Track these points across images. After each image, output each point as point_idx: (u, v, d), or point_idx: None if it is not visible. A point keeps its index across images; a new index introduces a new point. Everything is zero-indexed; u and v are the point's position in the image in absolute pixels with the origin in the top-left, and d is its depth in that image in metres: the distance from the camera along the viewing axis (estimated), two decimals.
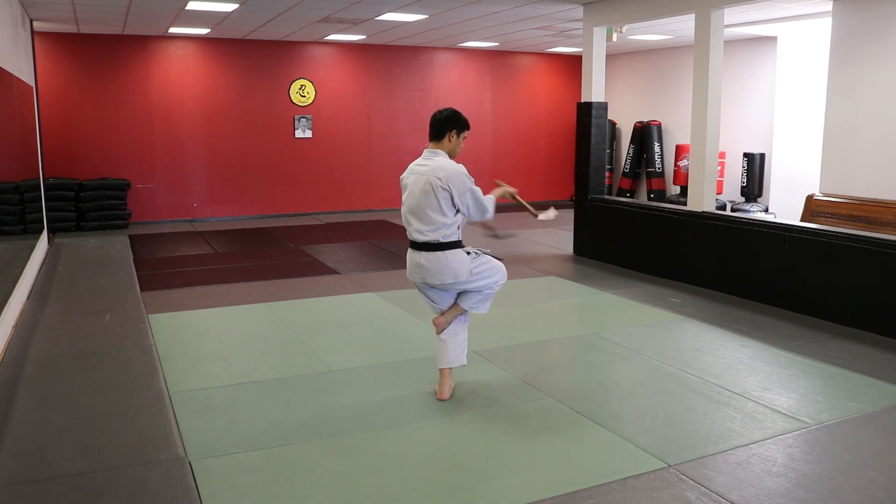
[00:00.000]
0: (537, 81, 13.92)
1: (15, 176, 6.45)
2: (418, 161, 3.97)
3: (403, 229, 10.98)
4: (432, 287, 4.02)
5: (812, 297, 5.84)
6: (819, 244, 5.77)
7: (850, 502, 2.98)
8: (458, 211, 3.86)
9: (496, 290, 4.12)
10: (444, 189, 3.77)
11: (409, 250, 4.00)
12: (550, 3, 8.28)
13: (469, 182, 3.83)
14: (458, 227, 3.92)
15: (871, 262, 5.39)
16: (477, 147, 12.83)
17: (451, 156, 3.94)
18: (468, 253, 3.94)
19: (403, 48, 12.68)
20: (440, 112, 3.97)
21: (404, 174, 3.99)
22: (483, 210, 3.91)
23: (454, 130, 3.93)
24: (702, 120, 6.95)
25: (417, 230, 3.87)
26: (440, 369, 4.14)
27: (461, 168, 3.85)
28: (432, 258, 3.86)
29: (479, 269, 3.96)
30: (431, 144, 3.97)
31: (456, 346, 4.13)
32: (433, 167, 3.84)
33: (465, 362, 4.19)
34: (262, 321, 5.83)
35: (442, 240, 3.84)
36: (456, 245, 3.89)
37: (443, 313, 4.11)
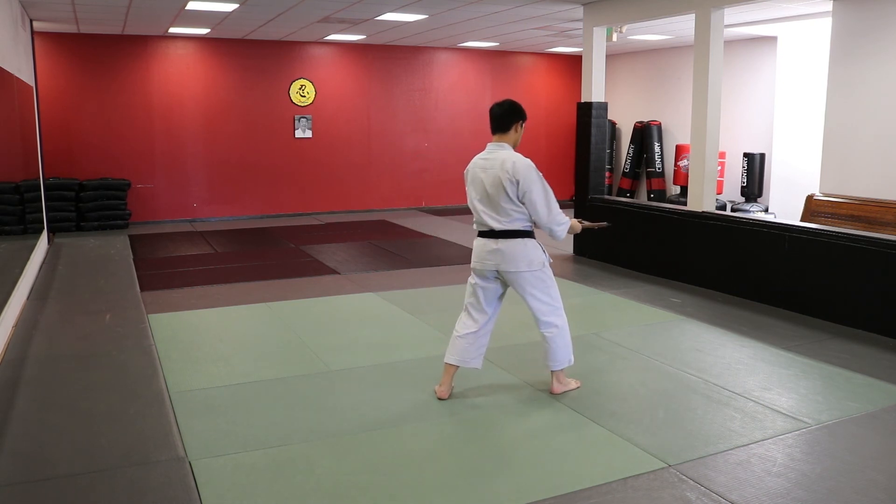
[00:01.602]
0: (537, 81, 13.92)
1: (15, 176, 6.45)
2: (483, 154, 3.95)
3: (403, 229, 10.89)
4: (496, 278, 4.00)
5: (812, 297, 5.84)
6: (819, 244, 5.77)
7: (850, 502, 2.98)
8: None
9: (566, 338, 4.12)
10: (510, 181, 3.79)
11: (481, 239, 3.97)
12: (550, 3, 8.28)
13: (538, 177, 3.83)
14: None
15: (871, 262, 5.39)
16: (477, 147, 12.79)
17: (514, 147, 3.97)
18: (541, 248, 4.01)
19: (403, 48, 12.68)
20: (500, 104, 3.96)
21: (469, 167, 4.00)
22: (549, 211, 3.85)
23: (519, 121, 3.96)
24: (702, 120, 6.95)
25: (494, 219, 3.88)
26: (446, 364, 4.08)
27: (530, 162, 3.86)
28: (511, 244, 3.89)
29: (549, 272, 4.03)
30: (496, 137, 3.96)
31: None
32: (501, 159, 3.84)
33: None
34: (262, 321, 5.83)
35: (521, 228, 3.90)
36: (531, 235, 3.95)
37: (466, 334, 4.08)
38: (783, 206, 10.34)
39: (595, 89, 8.24)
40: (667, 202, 11.83)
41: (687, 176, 10.71)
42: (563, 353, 4.11)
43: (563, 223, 3.92)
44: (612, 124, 13.77)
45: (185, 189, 11.61)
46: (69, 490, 3.11)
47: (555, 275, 7.43)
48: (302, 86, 12.09)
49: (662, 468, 3.28)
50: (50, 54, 10.54)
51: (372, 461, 3.37)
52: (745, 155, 10.88)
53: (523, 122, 3.99)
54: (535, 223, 3.95)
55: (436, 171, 13.13)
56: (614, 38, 8.78)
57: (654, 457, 3.39)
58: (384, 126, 12.79)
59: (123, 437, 3.61)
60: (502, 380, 4.44)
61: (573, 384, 4.24)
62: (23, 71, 7.87)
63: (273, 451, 3.46)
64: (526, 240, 3.91)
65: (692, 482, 3.15)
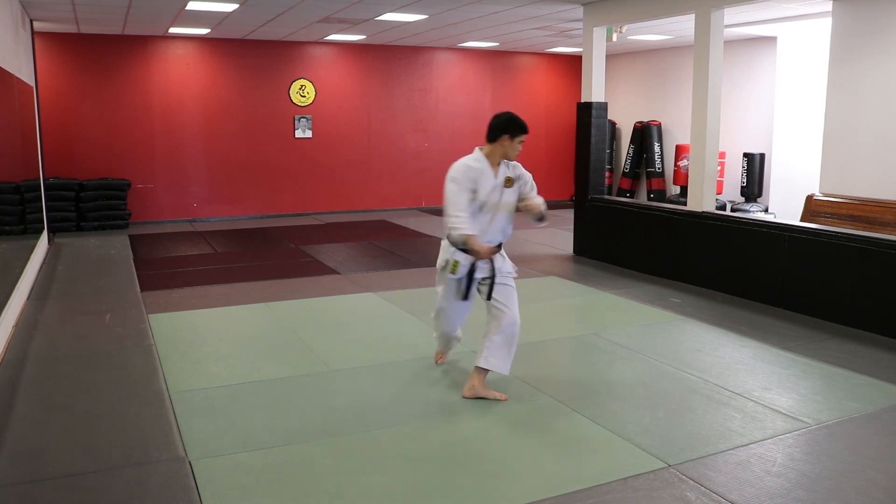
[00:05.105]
0: (537, 81, 13.92)
1: (15, 176, 6.45)
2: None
3: (403, 229, 10.86)
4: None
5: (812, 297, 5.84)
6: (819, 244, 5.78)
7: (850, 502, 2.98)
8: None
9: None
10: None
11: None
12: (550, 3, 8.28)
13: (449, 178, 3.94)
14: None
15: (871, 262, 5.39)
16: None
17: (505, 158, 4.07)
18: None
19: (403, 48, 12.68)
20: (498, 116, 4.06)
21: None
22: (445, 208, 3.97)
23: (504, 135, 4.01)
24: (702, 120, 6.95)
25: None
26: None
27: (456, 164, 4.01)
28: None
29: (442, 276, 4.22)
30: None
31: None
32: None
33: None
34: (262, 321, 5.83)
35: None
36: (448, 236, 4.12)
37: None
38: (783, 206, 10.34)
39: (595, 89, 8.24)
40: (667, 202, 11.83)
41: (687, 176, 10.71)
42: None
43: (450, 224, 3.90)
44: (612, 124, 13.77)
45: (185, 189, 11.61)
46: (69, 490, 3.11)
47: (554, 275, 7.51)
48: (302, 86, 12.09)
49: (662, 468, 3.28)
50: (50, 54, 10.53)
51: (372, 461, 3.37)
52: (745, 155, 10.88)
53: (511, 136, 3.96)
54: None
55: (436, 171, 13.10)
56: (614, 38, 8.78)
57: (654, 457, 3.39)
58: (384, 126, 12.79)
59: (123, 437, 3.61)
60: (502, 380, 4.43)
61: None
62: (23, 71, 7.87)
63: (273, 451, 3.46)
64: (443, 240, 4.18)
65: (692, 482, 3.15)
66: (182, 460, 3.36)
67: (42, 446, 3.54)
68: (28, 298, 6.48)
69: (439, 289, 4.26)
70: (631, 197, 13.16)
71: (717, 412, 3.92)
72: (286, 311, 6.06)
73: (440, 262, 4.13)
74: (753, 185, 10.85)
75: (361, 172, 12.71)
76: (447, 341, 4.57)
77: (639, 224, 7.63)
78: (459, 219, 3.86)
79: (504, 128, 3.96)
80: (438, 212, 12.57)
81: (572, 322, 6.05)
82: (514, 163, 4.07)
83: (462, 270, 4.02)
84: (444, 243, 4.11)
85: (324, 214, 12.38)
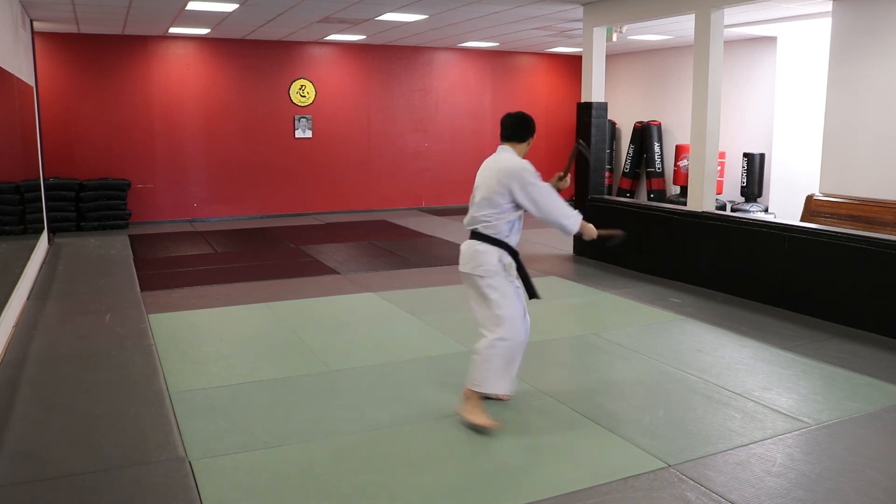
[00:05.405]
0: (537, 81, 13.92)
1: (15, 176, 6.45)
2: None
3: (403, 229, 10.88)
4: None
5: (812, 297, 5.84)
6: (819, 244, 5.77)
7: (850, 502, 2.98)
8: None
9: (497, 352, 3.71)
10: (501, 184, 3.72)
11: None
12: (550, 3, 8.28)
13: (526, 174, 3.73)
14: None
15: (871, 262, 5.39)
16: (477, 147, 12.83)
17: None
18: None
19: (403, 48, 12.68)
20: (514, 115, 3.89)
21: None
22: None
23: (532, 136, 3.91)
24: (702, 120, 6.95)
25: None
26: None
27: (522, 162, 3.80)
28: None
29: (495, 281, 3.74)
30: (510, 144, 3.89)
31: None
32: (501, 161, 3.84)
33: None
34: (262, 321, 5.83)
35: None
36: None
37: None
38: (783, 206, 10.34)
39: (595, 89, 8.24)
40: (667, 202, 11.83)
41: (687, 176, 10.71)
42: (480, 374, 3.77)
43: (571, 217, 3.74)
44: (612, 124, 13.77)
45: (185, 189, 11.61)
46: (69, 490, 3.11)
47: (554, 275, 7.50)
48: (302, 86, 12.09)
49: (662, 468, 3.28)
50: (50, 54, 10.53)
51: (372, 461, 3.37)
52: (745, 155, 10.88)
53: (534, 135, 3.89)
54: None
55: (436, 171, 13.12)
56: (614, 38, 8.78)
57: (654, 457, 3.39)
58: (384, 126, 12.79)
59: (123, 437, 3.61)
60: None
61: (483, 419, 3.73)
62: (23, 71, 7.87)
63: (273, 451, 3.46)
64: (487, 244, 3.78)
65: (692, 482, 3.15)
66: (182, 460, 3.36)
67: (42, 446, 3.54)
68: (28, 298, 6.48)
69: (496, 296, 3.66)
70: (631, 197, 13.17)
71: (717, 412, 3.92)
72: (286, 311, 6.06)
73: (491, 266, 3.65)
74: (753, 185, 10.85)
75: (361, 172, 12.71)
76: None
77: (639, 224, 7.63)
78: (568, 207, 3.74)
79: (532, 128, 3.87)
80: (438, 212, 12.64)
81: (572, 322, 6.05)
82: None
83: (513, 271, 3.75)
84: (483, 247, 3.69)
85: (324, 214, 12.38)
